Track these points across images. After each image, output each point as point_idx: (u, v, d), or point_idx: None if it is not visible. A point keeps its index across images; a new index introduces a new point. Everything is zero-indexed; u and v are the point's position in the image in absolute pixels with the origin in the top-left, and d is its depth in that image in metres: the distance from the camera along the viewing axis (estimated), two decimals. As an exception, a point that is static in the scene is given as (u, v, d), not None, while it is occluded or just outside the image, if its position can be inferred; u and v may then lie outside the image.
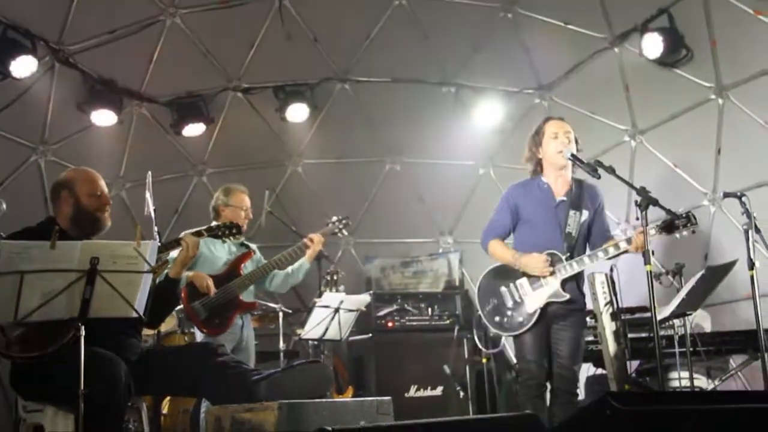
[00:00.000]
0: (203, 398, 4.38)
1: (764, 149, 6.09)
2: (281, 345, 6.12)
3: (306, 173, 7.97)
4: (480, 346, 6.43)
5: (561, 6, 6.71)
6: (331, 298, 5.70)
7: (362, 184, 8.07)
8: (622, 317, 5.25)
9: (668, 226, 4.20)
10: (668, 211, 4.06)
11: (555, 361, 4.33)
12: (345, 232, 5.89)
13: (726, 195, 4.67)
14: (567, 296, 4.31)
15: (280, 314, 6.13)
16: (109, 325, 3.25)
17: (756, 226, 4.45)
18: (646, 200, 3.95)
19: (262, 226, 6.21)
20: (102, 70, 6.70)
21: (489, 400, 6.45)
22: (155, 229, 5.16)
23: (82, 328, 3.08)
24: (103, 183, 3.83)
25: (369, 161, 8.06)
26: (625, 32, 6.66)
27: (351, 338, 6.41)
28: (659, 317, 4.94)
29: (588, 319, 5.65)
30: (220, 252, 5.41)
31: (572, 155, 4.33)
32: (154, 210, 5.15)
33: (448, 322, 6.87)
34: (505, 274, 4.43)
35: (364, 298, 6.03)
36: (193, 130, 7.26)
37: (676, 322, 5.20)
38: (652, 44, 6.32)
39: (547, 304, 4.32)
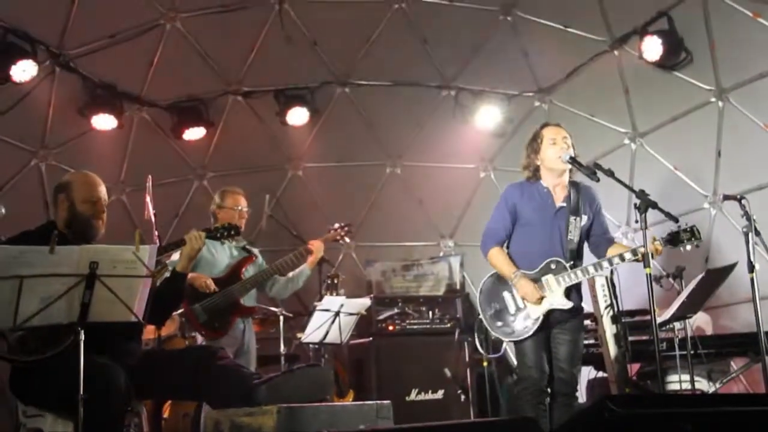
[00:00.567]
0: (203, 402, 4.38)
1: (764, 152, 6.09)
2: (282, 349, 6.12)
3: (306, 177, 7.98)
4: (481, 350, 6.41)
5: (560, 9, 6.72)
6: (331, 301, 5.70)
7: (363, 187, 8.07)
8: (623, 320, 5.24)
9: (673, 239, 4.20)
10: (667, 214, 4.05)
11: (555, 365, 4.32)
12: (347, 240, 5.89)
13: (726, 198, 4.67)
14: (571, 304, 4.29)
15: (281, 318, 6.13)
16: (108, 329, 3.25)
17: (756, 228, 4.44)
18: (646, 203, 3.94)
19: (263, 230, 6.22)
20: (102, 74, 6.72)
21: (490, 403, 6.43)
22: (155, 233, 5.19)
23: (82, 332, 3.08)
24: (102, 188, 3.81)
25: (369, 165, 8.06)
26: (625, 35, 6.68)
27: (352, 342, 6.40)
28: (660, 320, 4.95)
29: (588, 322, 5.67)
30: (221, 255, 5.41)
31: (571, 158, 4.32)
32: (155, 214, 5.18)
33: (448, 325, 6.86)
34: None
35: (365, 302, 6.02)
36: (194, 134, 7.28)
37: (677, 324, 5.19)
38: (652, 47, 6.33)
39: (550, 312, 4.30)
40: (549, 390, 4.32)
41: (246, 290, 5.36)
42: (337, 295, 5.97)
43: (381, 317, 6.78)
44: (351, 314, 5.79)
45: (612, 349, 5.15)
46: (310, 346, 6.21)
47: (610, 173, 4.17)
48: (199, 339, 5.33)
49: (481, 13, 6.94)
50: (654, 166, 7.00)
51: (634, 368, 5.76)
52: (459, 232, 8.32)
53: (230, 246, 5.39)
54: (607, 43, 6.82)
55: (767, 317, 4.45)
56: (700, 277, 5.04)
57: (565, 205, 4.42)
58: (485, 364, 6.13)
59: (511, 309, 4.33)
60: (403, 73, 7.51)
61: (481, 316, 4.43)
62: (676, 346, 5.11)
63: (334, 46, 7.22)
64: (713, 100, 6.40)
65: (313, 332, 5.70)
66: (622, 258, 4.24)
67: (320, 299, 5.85)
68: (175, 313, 5.20)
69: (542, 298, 4.26)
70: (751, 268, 4.40)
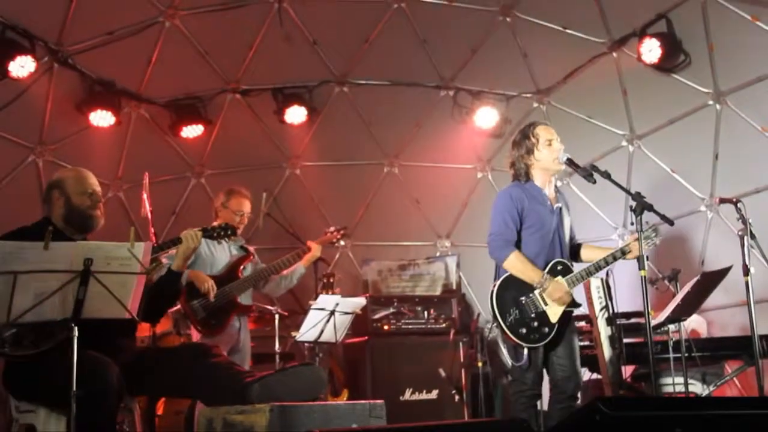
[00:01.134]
0: (197, 399, 4.38)
1: (761, 155, 6.11)
2: (277, 347, 6.13)
3: (304, 176, 7.97)
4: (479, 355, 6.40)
5: (559, 10, 6.71)
6: (326, 300, 5.70)
7: (360, 187, 8.07)
8: (618, 322, 5.24)
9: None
10: (663, 217, 4.05)
11: (557, 368, 4.30)
12: (342, 242, 5.92)
13: (722, 201, 4.68)
14: (581, 304, 4.29)
15: (276, 316, 6.14)
16: (102, 326, 3.25)
17: (751, 232, 4.45)
18: (641, 205, 3.95)
19: (260, 229, 6.22)
20: (101, 71, 6.70)
21: (484, 404, 6.44)
22: (152, 230, 5.20)
23: (75, 328, 3.08)
24: (94, 180, 3.83)
25: (367, 164, 8.06)
26: (624, 37, 6.67)
27: (347, 341, 6.41)
28: (654, 322, 4.96)
29: (583, 323, 5.67)
30: (219, 254, 5.44)
31: (568, 159, 4.32)
32: (151, 211, 5.20)
33: (444, 325, 6.86)
34: (521, 282, 4.26)
35: (360, 301, 6.03)
36: (192, 131, 7.27)
37: (671, 327, 5.20)
38: (651, 49, 6.33)
39: (564, 313, 4.26)
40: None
41: (244, 289, 5.40)
42: (333, 294, 5.97)
43: (376, 317, 6.79)
44: (346, 313, 5.80)
45: (606, 351, 5.14)
46: (305, 344, 6.22)
47: (606, 175, 4.16)
48: (194, 336, 5.34)
49: (480, 13, 6.93)
50: (651, 169, 7.00)
51: (628, 370, 5.76)
52: (456, 233, 8.32)
53: (229, 244, 5.41)
54: (606, 45, 6.82)
55: (762, 320, 4.46)
56: (695, 279, 5.05)
57: (560, 205, 4.43)
58: (480, 364, 6.14)
59: (532, 314, 4.22)
60: (402, 72, 7.50)
61: (502, 325, 4.21)
62: (671, 349, 5.12)
63: (333, 45, 7.22)
64: (711, 102, 6.40)
65: (308, 331, 5.71)
66: (614, 256, 4.26)
67: (316, 298, 5.85)
68: (170, 310, 5.21)
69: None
70: (746, 271, 4.41)
